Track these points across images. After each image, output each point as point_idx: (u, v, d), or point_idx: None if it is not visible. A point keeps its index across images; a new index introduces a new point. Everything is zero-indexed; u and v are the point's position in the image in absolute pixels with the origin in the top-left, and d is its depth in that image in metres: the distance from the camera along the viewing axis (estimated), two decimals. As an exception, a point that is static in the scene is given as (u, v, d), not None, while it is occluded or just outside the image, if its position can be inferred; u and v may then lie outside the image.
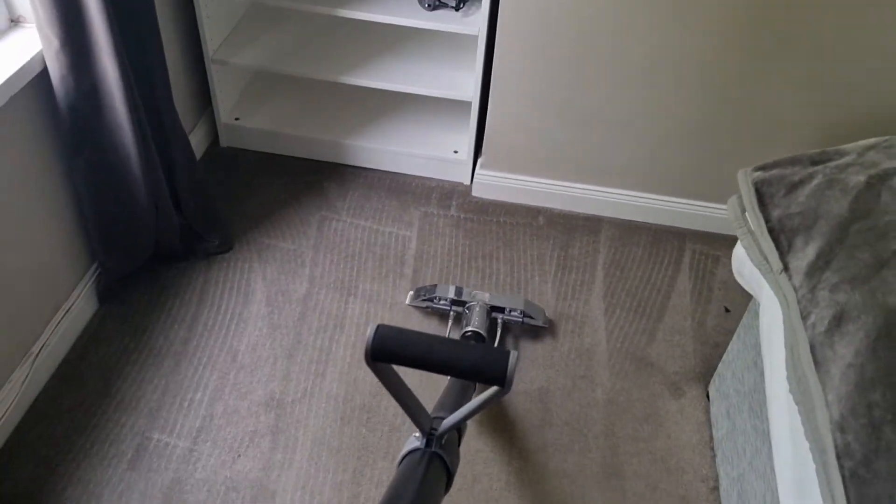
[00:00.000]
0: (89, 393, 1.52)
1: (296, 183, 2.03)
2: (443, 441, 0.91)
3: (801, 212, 1.19)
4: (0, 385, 1.41)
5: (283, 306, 1.72)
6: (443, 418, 0.98)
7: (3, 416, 1.41)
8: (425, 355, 0.84)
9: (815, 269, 1.11)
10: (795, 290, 1.13)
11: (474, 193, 2.04)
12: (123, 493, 1.38)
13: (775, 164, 1.29)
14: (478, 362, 0.83)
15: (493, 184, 2.00)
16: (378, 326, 0.83)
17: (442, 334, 1.58)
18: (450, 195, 2.03)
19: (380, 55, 1.99)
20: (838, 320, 1.02)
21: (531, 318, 1.65)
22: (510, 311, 1.64)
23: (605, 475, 1.46)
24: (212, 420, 1.50)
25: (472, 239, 1.91)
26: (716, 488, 1.44)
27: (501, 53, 1.74)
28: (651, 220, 1.99)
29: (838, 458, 0.92)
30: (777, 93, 1.70)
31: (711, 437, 1.52)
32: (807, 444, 1.00)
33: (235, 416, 1.51)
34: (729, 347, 1.50)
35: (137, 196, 1.57)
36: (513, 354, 0.83)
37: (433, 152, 2.03)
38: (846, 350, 0.99)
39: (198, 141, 2.04)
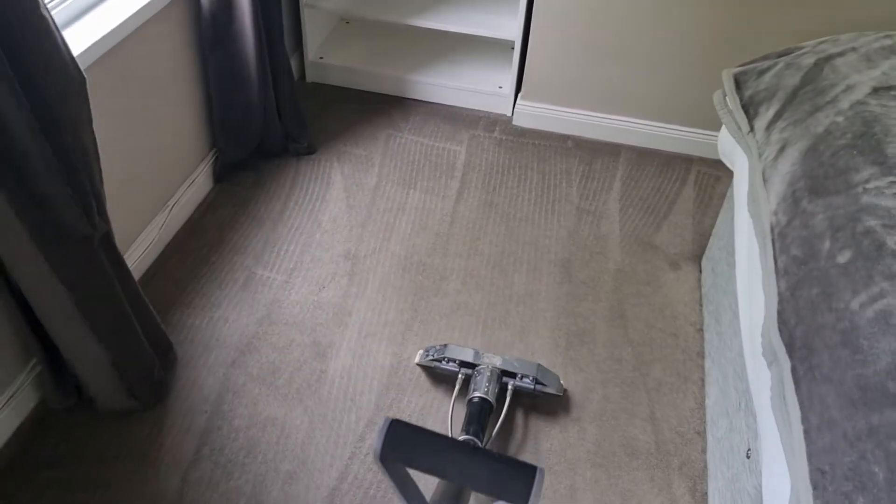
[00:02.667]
0: (209, 240, 1.95)
1: (367, 109, 2.46)
2: None
3: (765, 88, 1.56)
4: (145, 225, 1.84)
5: (356, 193, 2.13)
6: None
7: (146, 249, 1.84)
8: (440, 462, 0.76)
9: (772, 123, 1.48)
10: (757, 142, 1.50)
11: (514, 122, 2.44)
12: (237, 305, 1.79)
13: (751, 61, 1.67)
14: (498, 476, 0.74)
15: (531, 113, 2.40)
16: (391, 423, 0.75)
17: (448, 398, 1.60)
18: (494, 123, 2.44)
19: (438, 3, 2.42)
20: (782, 149, 1.39)
21: (544, 385, 1.57)
22: (522, 377, 1.57)
23: (611, 317, 1.82)
24: (302, 264, 1.91)
25: (510, 155, 2.31)
26: (701, 329, 1.79)
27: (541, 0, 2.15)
28: (664, 147, 2.36)
29: (771, 230, 1.28)
30: (777, 37, 2.07)
31: (701, 297, 1.87)
32: (756, 248, 1.36)
33: (320, 262, 1.91)
34: (717, 222, 1.86)
35: (252, 95, 2.01)
36: (539, 472, 0.74)
37: (481, 87, 2.44)
38: (784, 165, 1.35)
39: (288, 74, 2.49)
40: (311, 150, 2.26)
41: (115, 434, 1.50)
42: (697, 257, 1.99)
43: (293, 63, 2.52)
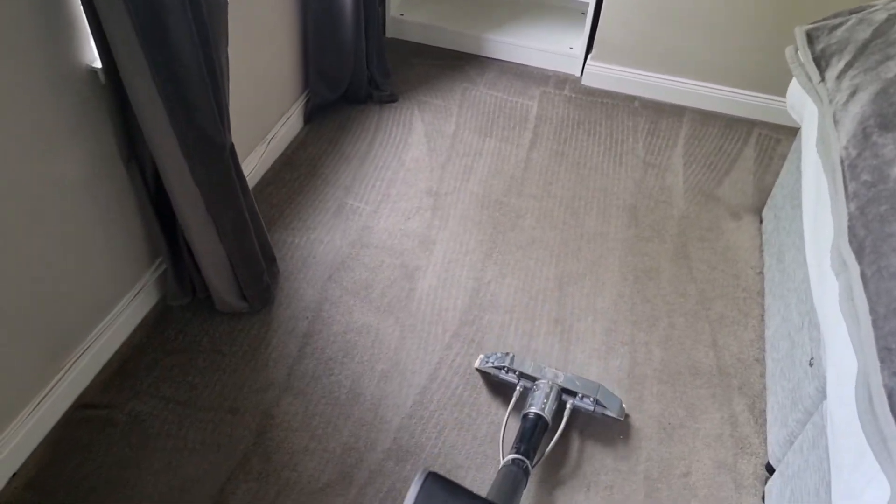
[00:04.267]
0: (302, 173, 2.12)
1: (443, 65, 2.61)
2: None
3: (837, 41, 1.67)
4: (247, 154, 2.01)
5: (436, 138, 2.28)
6: None
7: (250, 174, 2.01)
8: None
9: (843, 73, 1.59)
10: (828, 90, 1.61)
11: (584, 82, 2.56)
12: (330, 229, 1.95)
13: (823, 19, 1.77)
14: None
15: (600, 74, 2.53)
16: (428, 475, 0.70)
17: (503, 409, 1.55)
18: (564, 82, 2.57)
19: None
20: (853, 94, 1.50)
21: (604, 407, 1.50)
22: (582, 396, 1.51)
23: (676, 257, 1.95)
24: (388, 197, 2.06)
25: (580, 111, 2.44)
26: (761, 272, 1.91)
27: (619, -40, 2.27)
28: (726, 110, 2.47)
29: (841, 163, 1.40)
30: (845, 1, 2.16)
31: (761, 244, 1.99)
32: (824, 183, 1.48)
33: (405, 196, 2.07)
34: (781, 172, 1.97)
35: (346, 42, 2.16)
36: None
37: (552, 48, 2.57)
38: (854, 108, 1.47)
39: (370, 30, 2.64)
40: (393, 99, 2.41)
41: (228, 331, 1.68)
42: (757, 209, 2.10)
43: (375, 19, 2.67)
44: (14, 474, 1.40)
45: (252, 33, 1.88)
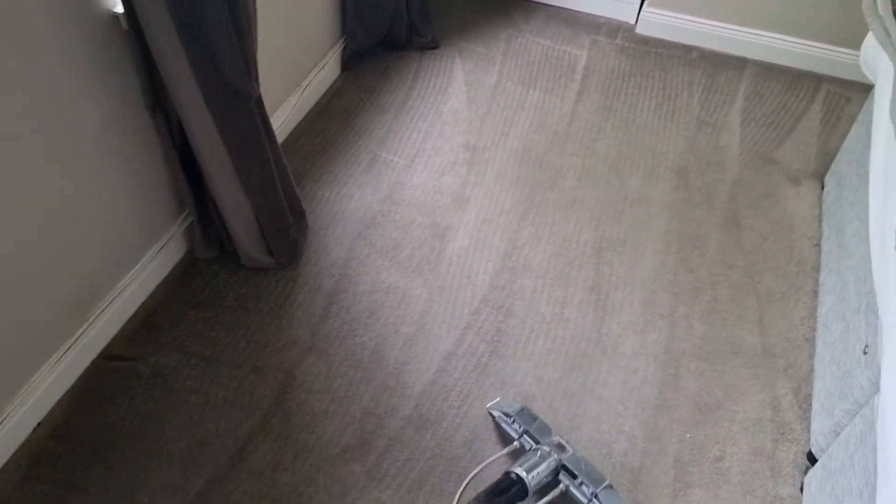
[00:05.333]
0: (335, 123, 2.05)
1: (488, 10, 2.47)
2: None
3: (923, -7, 1.49)
4: (280, 104, 1.95)
5: (477, 88, 2.17)
6: None
7: (279, 126, 1.95)
8: None
9: (926, 28, 1.42)
10: (907, 47, 1.45)
11: (638, 30, 2.40)
12: (362, 184, 1.89)
13: (909, -33, 1.59)
14: None
15: (656, 21, 2.36)
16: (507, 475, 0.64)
17: (489, 456, 1.38)
18: (616, 29, 2.41)
19: None
20: (937, 53, 1.34)
21: None
22: (580, 483, 1.30)
23: (725, 225, 1.83)
24: (423, 151, 1.98)
25: (632, 62, 2.29)
26: (818, 244, 1.78)
27: None
28: (793, 63, 2.28)
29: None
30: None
31: (821, 213, 1.85)
32: (893, 155, 1.33)
33: (440, 151, 1.98)
34: (848, 137, 1.82)
35: (383, -17, 2.06)
36: None
37: (607, -8, 2.41)
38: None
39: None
40: (434, 45, 2.30)
41: (254, 286, 1.65)
42: (820, 175, 1.95)
43: (419, -41, 2.53)
44: (39, 423, 1.42)
45: (284, -25, 1.79)
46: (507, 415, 1.40)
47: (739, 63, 2.30)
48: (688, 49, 2.34)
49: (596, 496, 1.27)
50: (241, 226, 1.57)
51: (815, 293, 1.67)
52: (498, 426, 1.43)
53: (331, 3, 2.06)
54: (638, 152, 2.00)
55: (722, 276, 1.71)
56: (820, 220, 1.84)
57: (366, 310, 1.62)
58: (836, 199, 1.77)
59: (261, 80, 1.79)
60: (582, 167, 1.95)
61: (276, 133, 1.91)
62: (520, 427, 1.37)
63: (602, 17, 2.46)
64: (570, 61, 2.28)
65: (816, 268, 1.73)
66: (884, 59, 1.56)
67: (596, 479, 1.28)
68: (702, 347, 1.57)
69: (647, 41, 2.37)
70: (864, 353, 1.27)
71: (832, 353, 1.44)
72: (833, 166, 1.89)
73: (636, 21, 2.40)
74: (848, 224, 1.60)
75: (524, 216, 1.82)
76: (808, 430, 1.44)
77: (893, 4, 1.54)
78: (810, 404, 1.48)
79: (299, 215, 1.73)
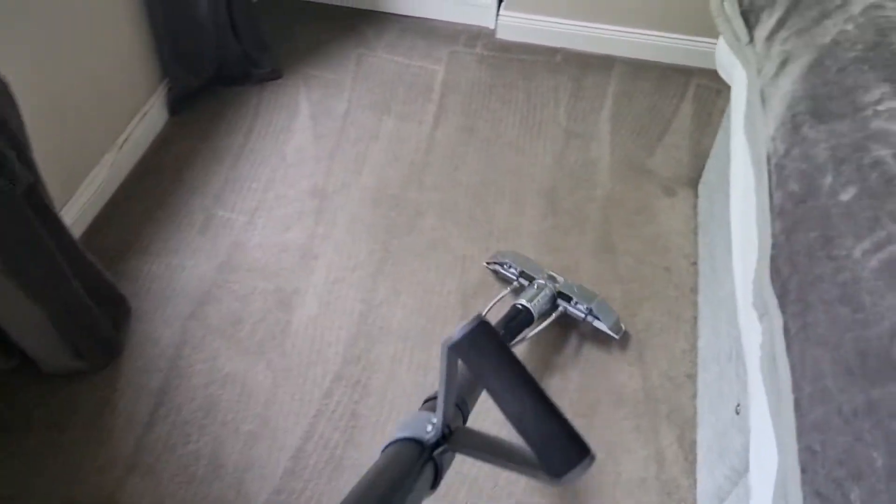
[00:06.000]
0: (164, 179, 1.81)
1: (336, 26, 2.26)
2: (452, 443, 0.77)
3: (767, -8, 1.36)
4: (92, 166, 1.70)
5: (325, 121, 1.97)
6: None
7: (95, 192, 1.70)
8: (504, 388, 0.69)
9: (773, 33, 1.29)
10: (756, 55, 1.32)
11: (498, 35, 2.23)
12: (196, 250, 1.67)
13: (752, -40, 1.46)
14: (549, 438, 0.67)
15: (516, 25, 2.19)
16: (479, 322, 0.68)
17: (493, 297, 1.55)
18: (476, 37, 2.23)
19: None
20: (783, 64, 1.21)
21: (598, 318, 1.48)
22: (576, 303, 1.50)
23: (598, 251, 1.69)
24: (265, 202, 1.77)
25: (494, 72, 2.12)
26: (695, 263, 1.66)
27: None
28: (661, 58, 2.16)
29: (768, 159, 1.13)
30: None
31: (696, 226, 1.73)
32: (752, 178, 1.20)
33: (285, 200, 1.78)
34: (715, 143, 1.70)
35: (201, 14, 1.82)
36: (590, 458, 0.66)
37: (461, -3, 2.23)
38: (785, 83, 1.18)
39: (250, -10, 2.27)
40: (275, 75, 2.08)
41: (66, 397, 1.42)
42: (694, 182, 1.83)
43: (254, -23, 2.30)
44: None
45: (69, 18, 1.53)
46: (501, 263, 1.60)
47: (606, 62, 2.16)
48: (552, 52, 2.19)
49: (590, 310, 1.49)
50: (31, 334, 1.33)
51: (695, 319, 1.55)
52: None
53: (141, 43, 1.81)
54: (503, 177, 1.84)
55: (597, 312, 1.57)
56: (696, 234, 1.72)
57: (200, 408, 1.41)
58: (707, 213, 1.66)
59: (60, 144, 1.55)
60: (442, 202, 1.78)
61: (91, 201, 1.68)
62: (516, 270, 1.57)
63: (460, 24, 2.28)
64: (426, 78, 2.10)
65: (695, 290, 1.61)
66: (738, 67, 1.43)
67: (588, 297, 1.50)
68: (580, 402, 1.43)
69: (508, 47, 2.20)
70: (737, 412, 1.15)
71: (710, 400, 1.32)
72: (703, 174, 1.77)
73: (495, 26, 2.23)
74: (718, 246, 1.48)
75: (380, 268, 1.64)
76: (695, 485, 1.31)
77: (741, 3, 1.41)
78: (696, 454, 1.35)
79: (117, 302, 1.50)
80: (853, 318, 0.83)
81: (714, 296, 1.43)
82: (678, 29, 2.09)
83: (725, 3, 1.43)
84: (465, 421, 0.91)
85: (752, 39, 1.35)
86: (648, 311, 1.57)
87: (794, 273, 0.94)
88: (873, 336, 0.80)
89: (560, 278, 1.56)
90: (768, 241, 1.03)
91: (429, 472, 0.73)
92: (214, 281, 1.61)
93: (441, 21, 2.28)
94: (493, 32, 2.24)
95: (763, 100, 1.23)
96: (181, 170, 1.83)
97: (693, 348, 1.51)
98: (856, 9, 1.19)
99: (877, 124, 1.00)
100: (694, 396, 1.43)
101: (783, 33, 1.26)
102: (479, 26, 2.26)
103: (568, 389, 1.44)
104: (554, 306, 1.51)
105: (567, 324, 1.54)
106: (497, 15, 2.20)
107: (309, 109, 2.00)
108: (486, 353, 0.69)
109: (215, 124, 1.95)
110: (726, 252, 1.39)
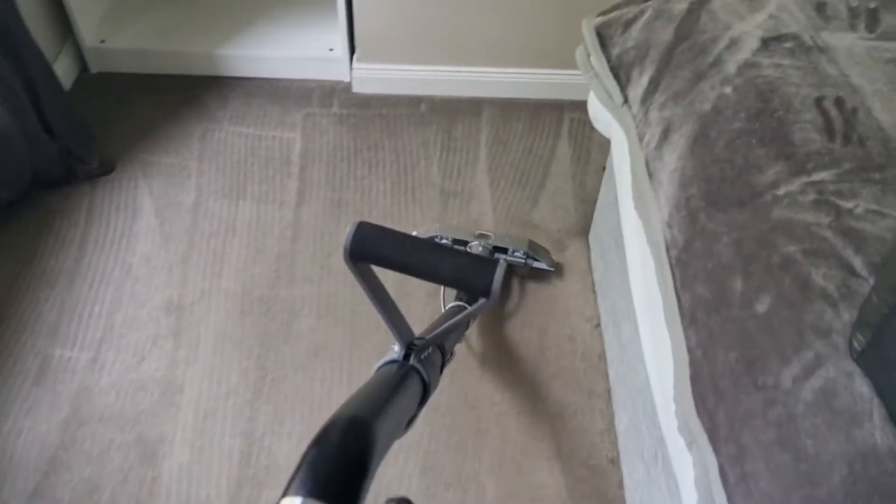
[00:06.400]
0: (-17, 321, 1.53)
1: (174, 100, 2.01)
2: (422, 356, 0.84)
3: (635, 45, 1.26)
4: None
5: (172, 217, 1.73)
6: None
7: None
8: (408, 257, 0.78)
9: (648, 94, 1.19)
10: (634, 118, 1.21)
11: (355, 89, 2.06)
12: (31, 407, 1.40)
13: (613, 8, 1.35)
14: (463, 268, 0.77)
15: (373, 77, 2.02)
16: (359, 224, 0.77)
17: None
18: (331, 94, 2.05)
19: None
20: (665, 134, 1.11)
21: (535, 259, 1.61)
22: (513, 252, 1.60)
23: (496, 324, 1.55)
24: (112, 330, 1.52)
25: (356, 133, 1.94)
26: (598, 325, 1.56)
27: (356, -62, 1.73)
28: (530, 95, 2.05)
29: (667, 249, 1.02)
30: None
31: (593, 282, 1.63)
32: (651, 263, 1.09)
33: (136, 323, 1.53)
34: (600, 194, 1.60)
35: (3, 126, 1.54)
36: (501, 264, 0.76)
37: (308, 52, 2.03)
38: (671, 157, 1.08)
39: (65, 69, 1.98)
40: (106, 169, 1.81)
41: None
42: (584, 230, 1.73)
43: (68, 54, 2.01)
44: None
45: None
46: (432, 237, 1.61)
47: (475, 106, 2.03)
48: (416, 102, 2.04)
49: (527, 255, 1.59)
50: None
51: (608, 392, 1.45)
52: None
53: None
54: (382, 256, 1.67)
55: (505, 402, 1.44)
56: (594, 292, 1.62)
57: None
58: (602, 271, 1.56)
59: None
60: (319, 296, 1.59)
61: None
62: (449, 240, 1.62)
63: (312, 80, 2.08)
64: (283, 150, 1.89)
65: (603, 357, 1.51)
66: (614, 125, 1.32)
67: (521, 243, 1.60)
68: (500, 517, 1.29)
69: (367, 102, 2.03)
70: (674, 533, 1.04)
71: (640, 498, 1.21)
72: (592, 227, 1.67)
73: (351, 79, 2.05)
74: (622, 320, 1.37)
75: (257, 390, 1.44)
76: None
77: (609, 58, 1.30)
78: (632, 555, 1.24)
79: (-66, 501, 1.23)
80: (797, 469, 0.72)
81: (626, 379, 1.33)
82: (545, 63, 1.99)
83: (592, 58, 1.32)
84: (445, 363, 0.98)
85: (626, 100, 1.24)
86: (559, 390, 1.45)
87: (720, 403, 0.83)
88: (824, 496, 0.70)
89: (490, 234, 1.63)
90: (684, 356, 0.91)
91: (414, 378, 0.81)
92: (60, 442, 1.35)
93: (290, 80, 2.07)
94: (348, 87, 2.06)
95: (650, 173, 1.12)
96: (3, 305, 1.55)
97: (611, 427, 1.40)
98: (731, 68, 1.10)
99: (779, 213, 0.90)
100: (620, 485, 1.32)
101: (659, 97, 1.16)
102: (332, 81, 2.08)
103: (485, 500, 1.30)
104: (494, 260, 1.48)
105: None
106: (351, 68, 2.03)
107: (152, 205, 1.75)
108: (378, 243, 0.78)
109: (41, 240, 1.67)
110: (633, 332, 1.29)
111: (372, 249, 0.78)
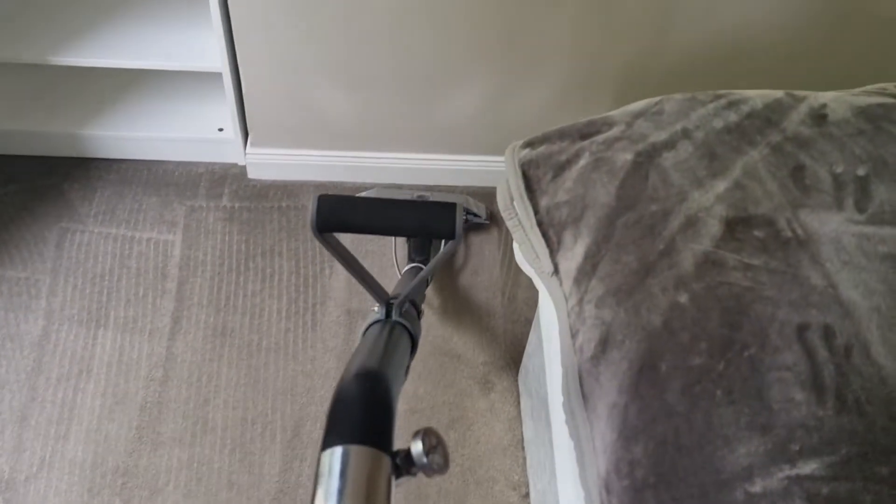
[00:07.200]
0: None
1: (25, 190, 1.67)
2: (402, 310, 0.90)
3: (568, 200, 1.00)
4: None
5: (12, 355, 1.41)
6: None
7: None
8: (372, 217, 0.82)
9: (583, 275, 0.93)
10: (566, 298, 0.95)
11: (251, 175, 1.75)
12: None
13: (544, 139, 1.09)
14: (425, 216, 0.82)
15: (271, 162, 1.72)
16: (319, 197, 0.80)
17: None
18: (221, 181, 1.74)
19: (97, 24, 1.61)
20: (604, 344, 0.86)
21: (475, 214, 1.66)
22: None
23: (407, 502, 1.29)
24: (-83, 524, 1.20)
25: (249, 233, 1.64)
26: (527, 496, 1.31)
27: (239, 9, 1.42)
28: (455, 181, 1.78)
29: (604, 516, 0.76)
30: (559, 36, 1.49)
31: (523, 437, 1.38)
32: (583, 494, 0.85)
33: (-50, 512, 1.22)
34: (529, 338, 1.35)
35: None
36: (459, 206, 0.82)
37: (194, 133, 1.72)
38: (610, 384, 0.82)
39: None
40: (-68, 290, 1.48)
41: None
42: (513, 363, 1.48)
43: None
44: None
45: None
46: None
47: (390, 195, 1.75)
48: (322, 190, 1.74)
49: (466, 210, 1.62)
50: None
51: (539, 592, 1.20)
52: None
53: None
54: (271, 404, 1.39)
55: None
56: (523, 448, 1.37)
57: None
58: (533, 438, 1.30)
59: None
60: (189, 465, 1.30)
61: None
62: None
63: (199, 164, 1.76)
64: (158, 258, 1.58)
65: (533, 541, 1.26)
66: (542, 290, 1.06)
67: (457, 199, 1.53)
68: None
69: (265, 191, 1.73)
70: None
71: None
72: (521, 370, 1.42)
73: (246, 163, 1.75)
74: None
75: None
76: None
77: (535, 209, 1.03)
78: None
79: None
80: None
81: None
82: (466, 150, 1.72)
83: (516, 204, 1.06)
84: (419, 314, 1.01)
85: (556, 270, 0.98)
86: (478, 590, 1.20)
87: None
88: None
89: (427, 193, 1.66)
90: None
91: (400, 330, 0.86)
92: None
93: (174, 163, 1.75)
94: (243, 171, 1.75)
95: (584, 395, 0.87)
96: None
97: None
98: (687, 263, 0.85)
99: (753, 526, 0.66)
100: None
101: (596, 285, 0.90)
102: (224, 164, 1.77)
103: None
104: None
105: None
106: (246, 149, 1.72)
107: (-14, 339, 1.43)
108: (339, 211, 0.81)
109: None
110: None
111: (335, 218, 0.80)
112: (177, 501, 1.26)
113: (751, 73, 1.52)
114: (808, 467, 0.67)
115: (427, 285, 1.45)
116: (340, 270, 1.59)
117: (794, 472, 0.67)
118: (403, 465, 0.54)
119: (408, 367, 0.87)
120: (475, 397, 1.43)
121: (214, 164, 1.77)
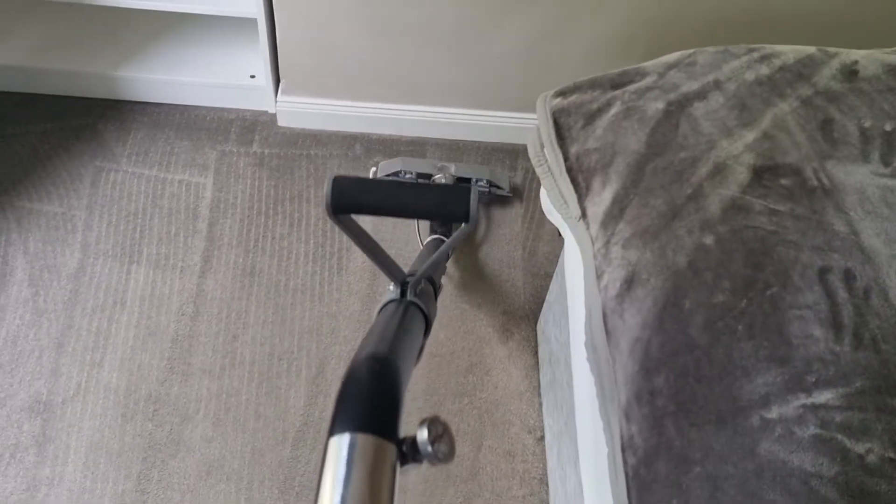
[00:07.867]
0: None
1: (62, 129, 1.71)
2: (417, 290, 0.89)
3: (598, 147, 1.03)
4: None
5: (49, 285, 1.46)
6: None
7: None
8: (387, 200, 0.82)
9: (611, 219, 0.96)
10: (592, 241, 0.98)
11: (280, 123, 1.78)
12: None
13: (575, 88, 1.11)
14: (440, 200, 0.82)
15: (301, 111, 1.75)
16: (335, 178, 0.79)
17: None
18: (252, 128, 1.77)
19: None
20: (629, 284, 0.89)
21: (498, 187, 1.66)
22: (477, 181, 1.65)
23: (426, 439, 1.33)
24: (-39, 438, 1.27)
25: (278, 178, 1.68)
26: (542, 439, 1.35)
27: (277, -42, 1.44)
28: (481, 137, 1.81)
29: (623, 450, 0.80)
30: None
31: (539, 384, 1.42)
32: (603, 443, 0.89)
33: (-8, 428, 1.28)
34: (550, 287, 1.38)
35: None
36: (474, 189, 0.81)
37: (227, 79, 1.75)
38: (634, 320, 0.86)
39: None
40: (-27, 220, 1.53)
41: None
42: (532, 313, 1.52)
43: (-66, 68, 1.69)
44: None
45: None
46: (396, 173, 1.62)
47: (417, 148, 1.78)
48: (350, 141, 1.77)
49: (490, 182, 1.65)
50: None
51: (550, 528, 1.25)
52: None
53: None
54: (297, 341, 1.43)
55: (429, 540, 1.23)
56: (539, 394, 1.41)
57: None
58: (550, 385, 1.34)
59: None
60: (218, 395, 1.35)
61: None
62: (413, 175, 1.62)
63: (230, 110, 1.80)
64: (190, 199, 1.62)
65: (544, 480, 1.31)
66: (568, 235, 1.09)
67: (481, 171, 1.66)
68: None
69: (294, 139, 1.76)
70: None
71: None
72: (540, 318, 1.46)
73: (276, 111, 1.78)
74: (567, 465, 1.16)
75: (134, 524, 1.21)
76: None
77: (565, 155, 1.06)
78: None
79: None
80: None
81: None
82: (499, 106, 1.74)
83: (546, 151, 1.08)
84: (436, 293, 1.01)
85: (584, 214, 1.01)
86: (492, 523, 1.25)
87: None
88: None
89: (450, 165, 1.65)
90: None
91: (414, 311, 0.85)
92: None
93: (206, 108, 1.79)
94: (273, 119, 1.78)
95: (607, 331, 0.90)
96: None
97: (550, 576, 1.21)
98: (714, 207, 0.88)
99: (768, 448, 0.69)
100: None
101: (623, 227, 0.93)
102: (254, 112, 1.80)
103: None
104: None
105: None
106: (277, 97, 1.75)
107: (26, 268, 1.48)
108: (355, 193, 0.79)
109: None
110: (572, 443, 1.08)
111: (351, 200, 0.80)
112: (206, 428, 1.31)
113: (784, 30, 1.52)
114: (823, 397, 0.71)
115: (447, 259, 1.45)
116: (366, 220, 1.63)
117: (809, 400, 0.71)
118: (409, 452, 0.55)
119: (422, 348, 0.86)
120: (494, 344, 1.47)
121: (245, 110, 1.80)
